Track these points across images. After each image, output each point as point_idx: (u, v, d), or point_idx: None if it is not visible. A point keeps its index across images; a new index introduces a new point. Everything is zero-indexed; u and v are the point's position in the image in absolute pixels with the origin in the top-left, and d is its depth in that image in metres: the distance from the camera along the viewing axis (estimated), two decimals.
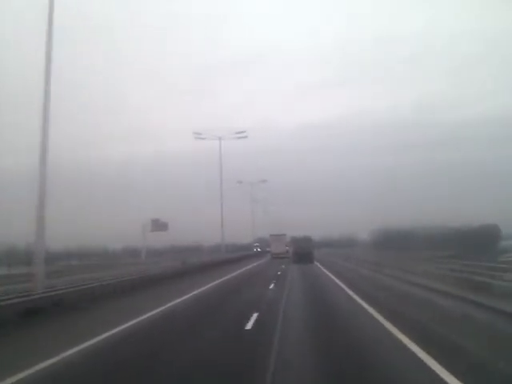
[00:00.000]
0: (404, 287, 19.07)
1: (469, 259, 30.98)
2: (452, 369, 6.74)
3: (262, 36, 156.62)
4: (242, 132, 51.47)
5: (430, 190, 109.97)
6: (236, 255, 70.20)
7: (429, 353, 7.80)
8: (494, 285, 15.43)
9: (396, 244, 70.88)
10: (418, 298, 15.93)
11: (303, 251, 48.26)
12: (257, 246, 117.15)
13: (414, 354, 7.91)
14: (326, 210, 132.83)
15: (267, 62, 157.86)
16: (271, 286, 21.34)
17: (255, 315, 12.34)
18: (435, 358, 7.42)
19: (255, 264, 50.27)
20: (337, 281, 23.12)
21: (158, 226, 61.38)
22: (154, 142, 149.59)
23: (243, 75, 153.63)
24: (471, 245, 58.11)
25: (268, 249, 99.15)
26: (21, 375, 7.33)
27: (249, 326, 11.04)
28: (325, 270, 33.14)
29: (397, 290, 18.07)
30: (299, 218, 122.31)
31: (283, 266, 40.95)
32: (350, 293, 17.54)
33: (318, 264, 43.32)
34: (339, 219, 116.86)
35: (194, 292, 19.64)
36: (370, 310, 13.20)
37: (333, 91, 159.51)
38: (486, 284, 15.71)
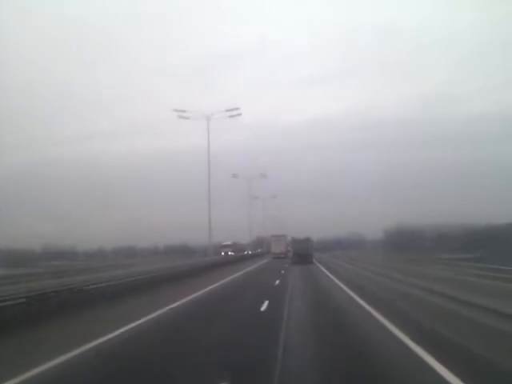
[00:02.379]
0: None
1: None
2: None
3: (261, 30, 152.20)
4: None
5: (447, 187, 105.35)
6: None
7: None
8: None
9: (411, 244, 65.66)
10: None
11: (303, 252, 48.32)
12: (227, 248, 77.25)
13: None
14: (332, 208, 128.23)
15: (267, 58, 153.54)
16: None
17: None
18: None
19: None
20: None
21: None
22: (149, 136, 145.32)
23: (243, 70, 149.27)
24: (499, 245, 50.09)
25: (247, 252, 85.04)
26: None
27: None
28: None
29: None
30: (304, 217, 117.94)
31: (277, 282, 22.85)
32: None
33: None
34: (346, 218, 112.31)
35: None
36: None
37: (335, 86, 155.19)
38: None
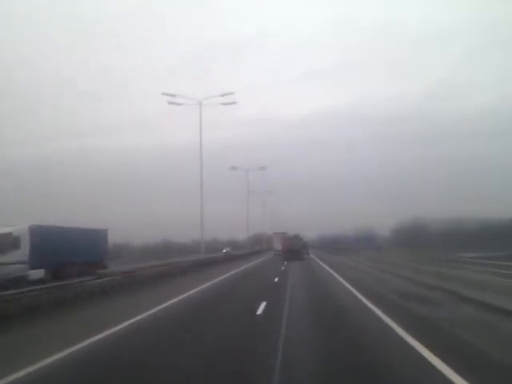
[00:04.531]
0: None
1: None
2: None
3: (261, 25, 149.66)
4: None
5: (449, 183, 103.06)
6: None
7: None
8: None
9: (425, 241, 61.07)
10: None
11: (293, 249, 49.90)
12: None
13: None
14: (334, 205, 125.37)
15: (267, 52, 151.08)
16: None
17: None
18: None
19: None
20: None
21: None
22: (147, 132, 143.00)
23: (243, 64, 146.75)
24: None
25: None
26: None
27: None
28: None
29: None
30: (305, 214, 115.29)
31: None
32: None
33: None
34: (349, 215, 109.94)
35: None
36: None
37: (335, 81, 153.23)
38: None
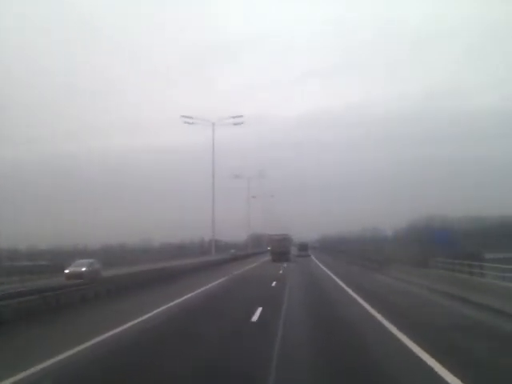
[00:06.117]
0: None
1: None
2: None
3: (260, 21, 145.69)
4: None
5: (450, 183, 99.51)
6: None
7: None
8: None
9: (441, 242, 59.27)
10: None
11: (281, 250, 51.48)
12: None
13: None
14: (337, 206, 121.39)
15: (266, 52, 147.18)
16: None
17: None
18: None
19: None
20: None
21: None
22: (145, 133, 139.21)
23: (241, 64, 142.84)
24: None
25: None
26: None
27: None
28: None
29: None
30: (302, 214, 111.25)
31: None
32: None
33: None
34: (348, 216, 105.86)
35: None
36: None
37: (335, 81, 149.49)
38: None
